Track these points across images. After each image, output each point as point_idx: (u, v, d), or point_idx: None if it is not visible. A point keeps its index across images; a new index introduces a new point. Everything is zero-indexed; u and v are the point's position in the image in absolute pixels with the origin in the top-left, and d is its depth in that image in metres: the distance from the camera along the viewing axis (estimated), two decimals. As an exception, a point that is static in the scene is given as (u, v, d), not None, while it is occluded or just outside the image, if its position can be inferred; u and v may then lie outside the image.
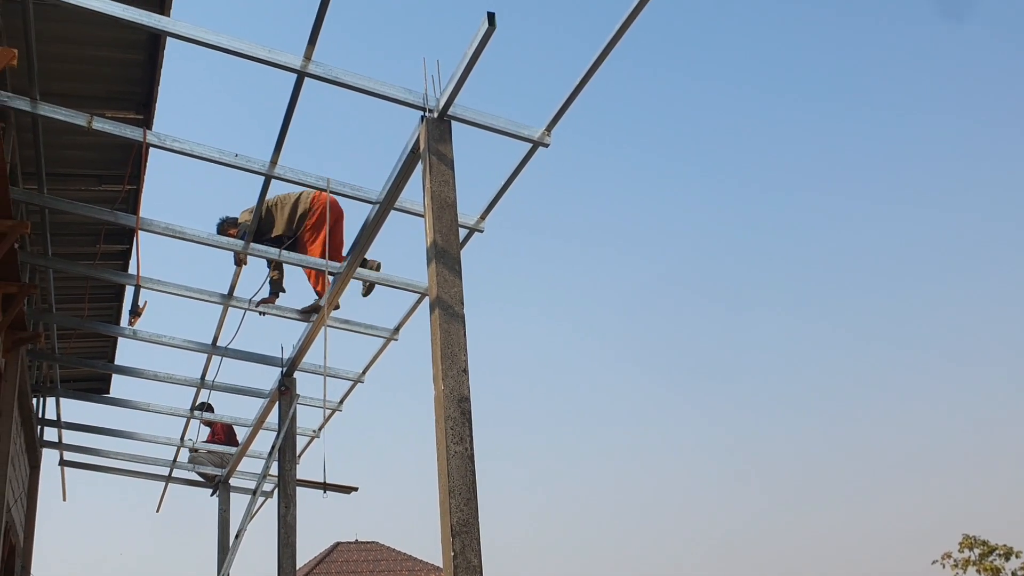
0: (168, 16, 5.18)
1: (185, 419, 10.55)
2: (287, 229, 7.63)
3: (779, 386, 51.71)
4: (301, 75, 5.23)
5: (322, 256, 7.44)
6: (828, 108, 51.34)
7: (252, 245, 7.32)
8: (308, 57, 5.13)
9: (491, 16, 4.71)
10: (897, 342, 52.51)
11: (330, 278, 7.46)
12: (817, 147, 51.46)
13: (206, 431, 11.57)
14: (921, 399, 51.07)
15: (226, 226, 7.57)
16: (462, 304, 4.79)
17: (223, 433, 11.52)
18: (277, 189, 6.29)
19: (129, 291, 8.51)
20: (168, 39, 5.44)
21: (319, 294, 7.77)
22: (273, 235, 7.68)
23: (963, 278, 51.80)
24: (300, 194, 7.69)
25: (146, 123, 6.20)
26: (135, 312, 6.87)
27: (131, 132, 5.87)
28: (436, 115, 5.21)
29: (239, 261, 7.47)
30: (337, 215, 7.67)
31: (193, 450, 11.39)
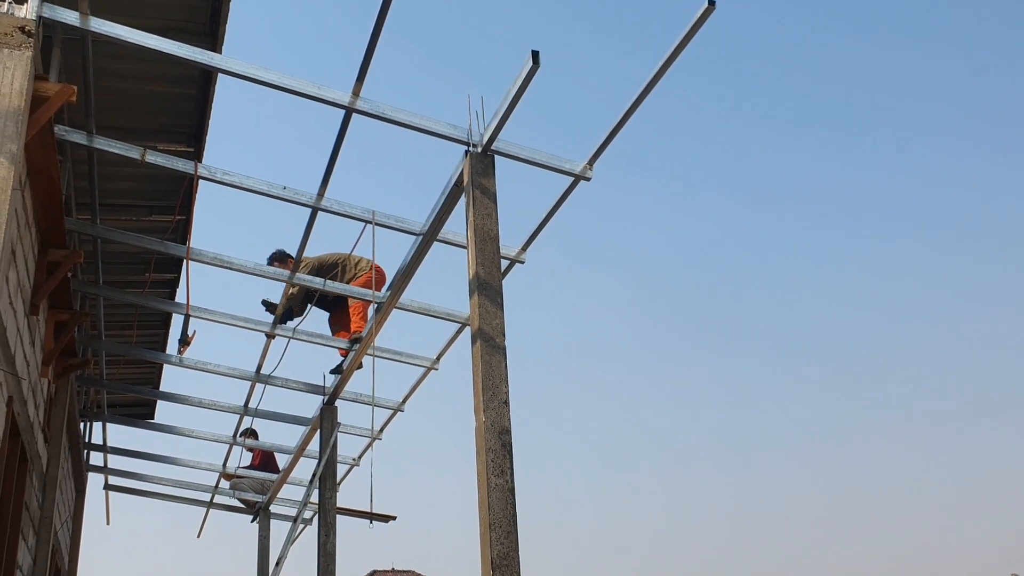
0: (220, 53, 5.33)
1: (228, 446, 10.67)
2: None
3: (809, 422, 50.84)
4: (349, 111, 5.35)
5: (362, 318, 7.73)
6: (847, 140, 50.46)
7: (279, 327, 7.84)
8: (356, 94, 5.23)
9: (535, 54, 4.78)
10: (930, 375, 51.49)
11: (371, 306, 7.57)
12: (850, 179, 50.83)
13: (248, 457, 11.69)
14: (959, 430, 50.04)
15: (277, 262, 7.71)
16: (504, 336, 4.83)
17: (259, 459, 11.64)
18: (324, 221, 6.41)
19: (175, 319, 8.69)
20: (219, 74, 5.59)
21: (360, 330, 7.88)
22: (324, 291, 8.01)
23: (990, 314, 50.70)
24: (358, 259, 7.81)
25: (197, 156, 6.36)
26: (184, 341, 6.98)
27: (183, 165, 6.02)
28: (480, 150, 5.29)
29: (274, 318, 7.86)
30: (380, 283, 7.65)
31: (230, 476, 11.48)
